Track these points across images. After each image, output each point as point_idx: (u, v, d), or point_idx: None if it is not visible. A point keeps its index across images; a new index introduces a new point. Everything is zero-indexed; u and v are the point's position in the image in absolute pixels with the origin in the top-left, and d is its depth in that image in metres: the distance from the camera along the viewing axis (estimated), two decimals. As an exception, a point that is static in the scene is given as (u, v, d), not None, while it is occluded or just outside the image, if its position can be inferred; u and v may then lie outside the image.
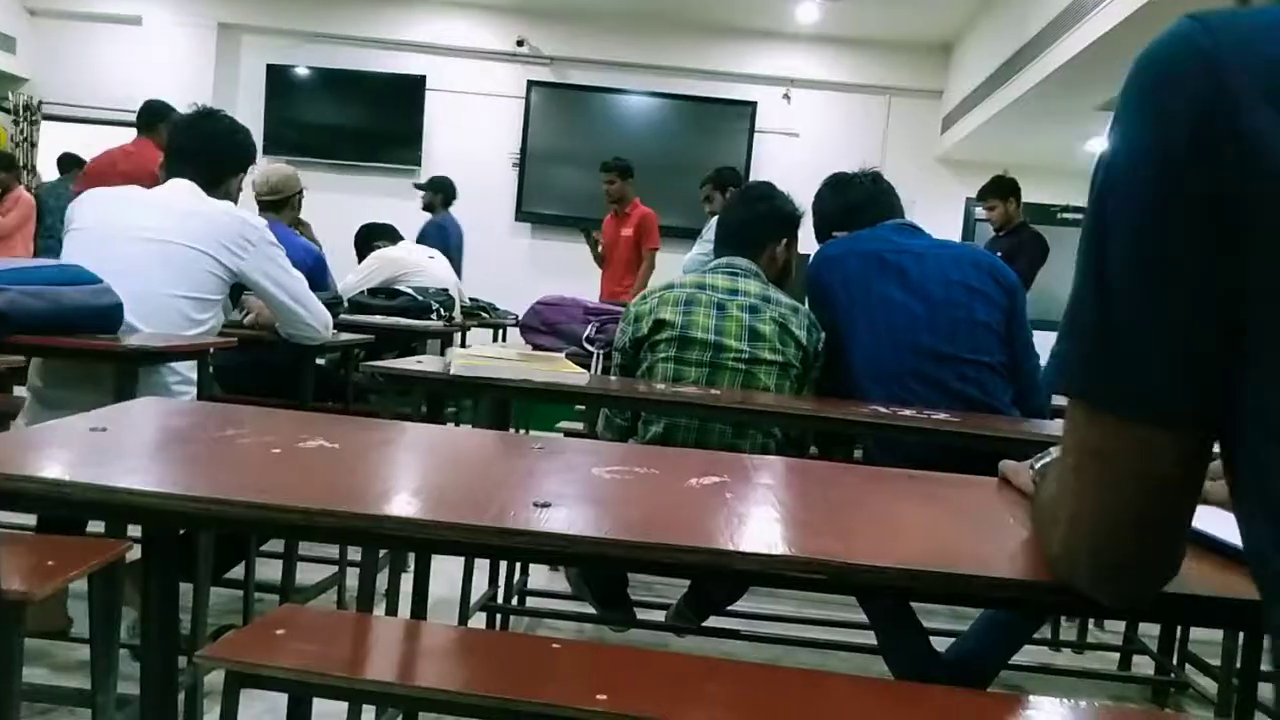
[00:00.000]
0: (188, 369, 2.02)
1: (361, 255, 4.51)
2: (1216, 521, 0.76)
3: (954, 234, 7.00)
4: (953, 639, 1.87)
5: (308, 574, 2.44)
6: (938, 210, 6.63)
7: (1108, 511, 0.64)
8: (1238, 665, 2.09)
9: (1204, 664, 2.42)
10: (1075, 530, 0.67)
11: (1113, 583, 0.68)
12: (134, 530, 1.44)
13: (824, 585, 0.73)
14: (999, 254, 3.62)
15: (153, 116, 4.11)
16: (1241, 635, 1.97)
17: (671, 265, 4.84)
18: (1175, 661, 2.52)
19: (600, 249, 5.51)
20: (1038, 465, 0.90)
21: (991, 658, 1.86)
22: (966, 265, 2.07)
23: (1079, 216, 7.52)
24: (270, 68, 7.40)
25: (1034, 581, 0.75)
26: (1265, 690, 2.04)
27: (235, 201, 2.28)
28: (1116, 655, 2.70)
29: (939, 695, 1.38)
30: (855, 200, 2.25)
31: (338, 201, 6.03)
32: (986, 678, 1.84)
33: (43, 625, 1.76)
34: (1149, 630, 2.62)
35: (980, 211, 5.02)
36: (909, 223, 2.21)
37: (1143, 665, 2.65)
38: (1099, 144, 6.93)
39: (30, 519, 2.00)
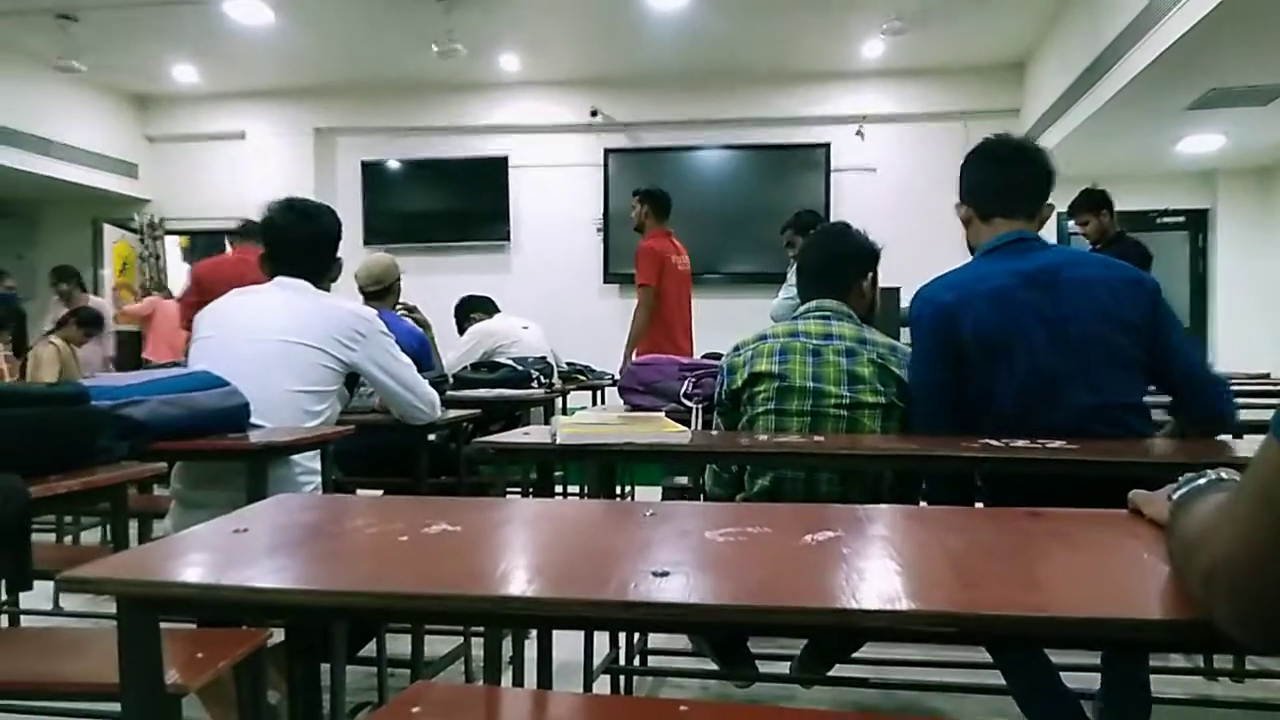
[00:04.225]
0: (310, 459, 2.13)
1: (461, 326, 4.69)
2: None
3: (1050, 251, 6.78)
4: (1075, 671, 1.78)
5: (434, 645, 2.50)
6: (1030, 229, 6.45)
7: (1268, 562, 0.62)
8: None
9: (1384, 688, 2.23)
10: (1225, 568, 0.65)
11: (1252, 625, 0.65)
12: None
13: (952, 638, 0.72)
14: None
15: (254, 229, 4.70)
16: None
17: (757, 311, 4.83)
18: (1350, 687, 2.33)
19: None
20: (1176, 495, 0.86)
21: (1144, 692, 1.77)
22: (1100, 287, 1.83)
23: (1179, 220, 7.17)
24: (364, 164, 7.83)
25: (1177, 620, 0.72)
26: None
27: (337, 277, 2.41)
28: (1281, 683, 2.52)
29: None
30: (1013, 183, 1.93)
31: (435, 282, 6.27)
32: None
33: (222, 715, 1.85)
34: (1316, 654, 2.43)
35: (1073, 226, 4.87)
36: (1030, 235, 1.93)
37: (1313, 693, 2.46)
38: (1193, 143, 6.66)
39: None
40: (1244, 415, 2.89)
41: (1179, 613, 0.73)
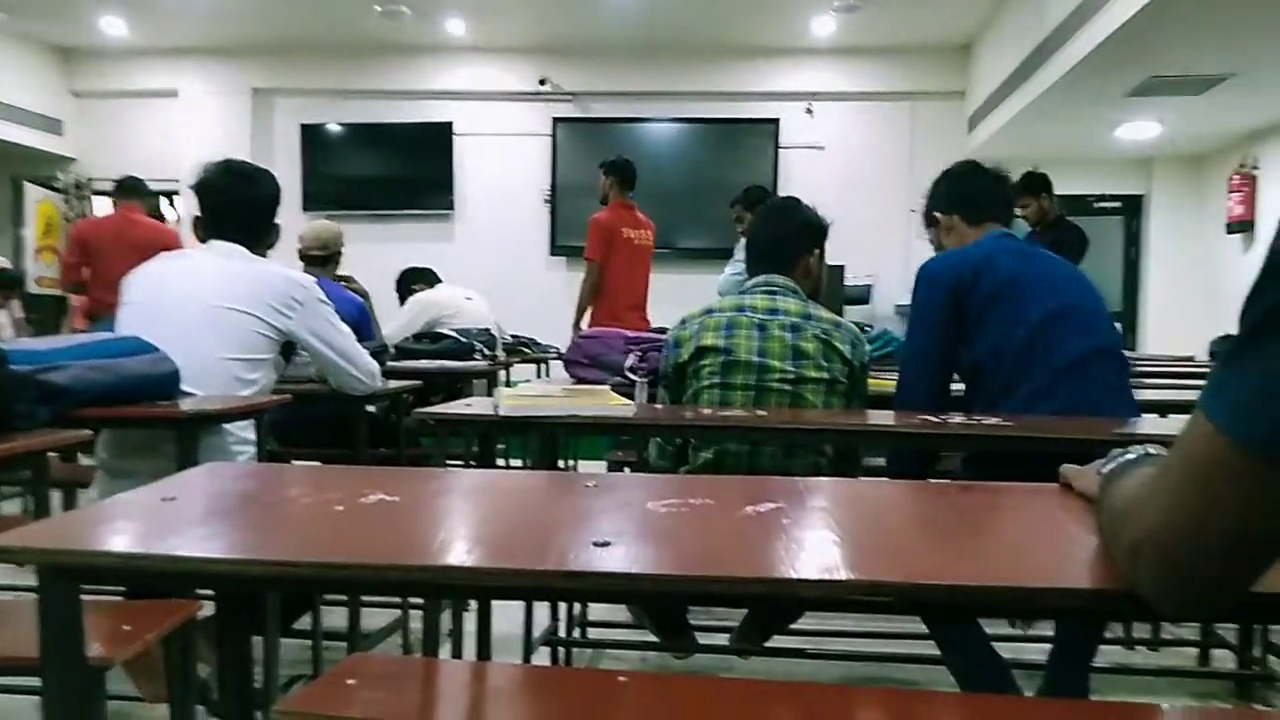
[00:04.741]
0: (243, 429, 2.07)
1: (402, 298, 4.61)
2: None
3: (990, 232, 6.91)
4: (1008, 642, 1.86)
5: (372, 618, 2.47)
6: (971, 210, 6.55)
7: (1194, 535, 0.63)
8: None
9: (1289, 656, 2.35)
10: (1152, 541, 0.66)
11: (1176, 597, 0.67)
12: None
13: (889, 607, 0.73)
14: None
15: (138, 186, 5.17)
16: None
17: (704, 287, 4.84)
18: (1258, 653, 2.44)
19: None
20: (1105, 469, 0.88)
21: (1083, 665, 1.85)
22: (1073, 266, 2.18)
23: (1116, 205, 7.35)
24: (304, 127, 7.60)
25: (1103, 590, 0.74)
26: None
27: (274, 243, 2.34)
28: (1195, 650, 2.63)
29: (1024, 708, 1.35)
30: (999, 196, 2.24)
31: (377, 250, 6.15)
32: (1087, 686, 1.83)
33: (150, 691, 1.81)
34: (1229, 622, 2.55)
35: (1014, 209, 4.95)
36: (1009, 232, 2.19)
37: (1223, 659, 2.57)
38: (1131, 129, 6.81)
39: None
40: (1168, 396, 3.00)
41: (1104, 582, 0.74)
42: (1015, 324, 1.94)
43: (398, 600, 2.58)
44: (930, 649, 2.35)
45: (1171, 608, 0.68)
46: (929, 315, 2.02)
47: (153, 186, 7.24)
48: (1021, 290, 1.97)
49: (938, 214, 2.20)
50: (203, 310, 2.08)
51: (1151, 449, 0.87)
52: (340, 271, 3.74)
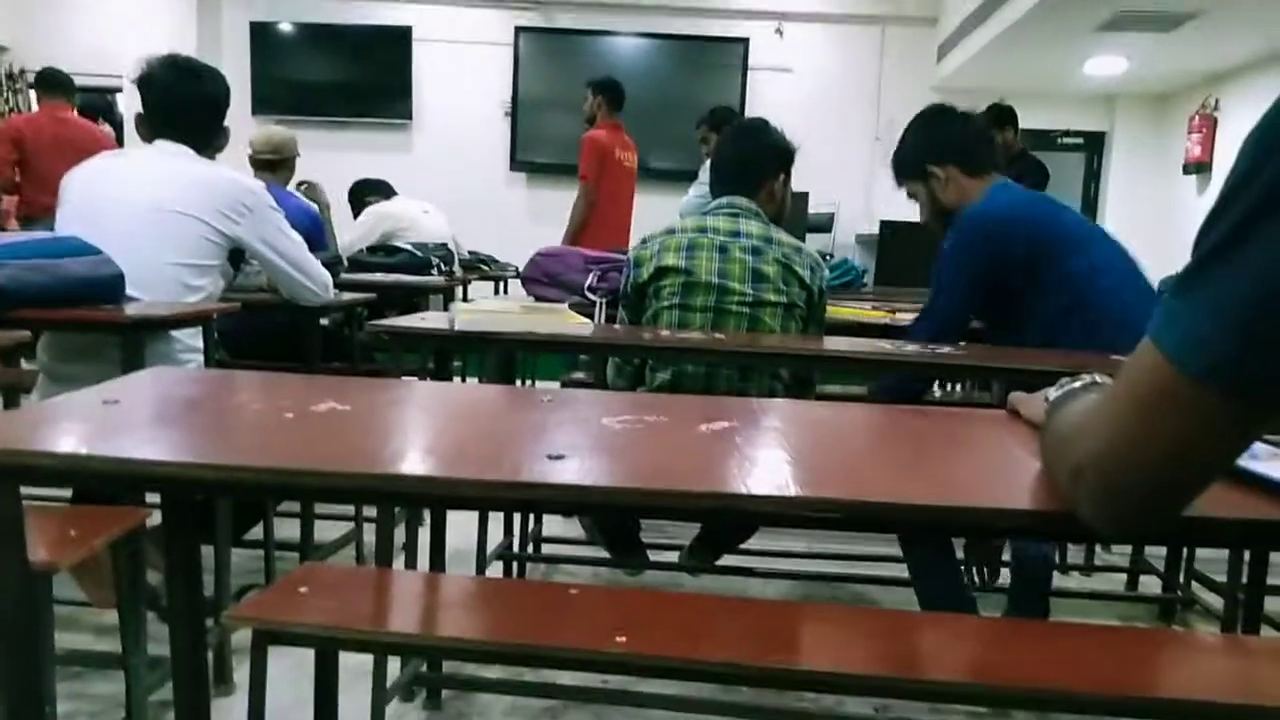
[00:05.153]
0: (191, 336, 2.02)
1: (355, 210, 4.50)
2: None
3: (953, 164, 6.91)
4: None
5: (325, 531, 2.47)
6: (936, 141, 6.52)
7: (1136, 462, 0.65)
8: (1244, 581, 2.12)
9: (1210, 581, 2.46)
10: (1094, 465, 0.67)
11: (1114, 519, 0.69)
12: (156, 497, 1.46)
13: (838, 524, 0.74)
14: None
15: (63, 81, 4.98)
16: (1247, 553, 2.00)
17: (668, 208, 4.79)
18: (1182, 580, 2.56)
19: None
20: (1052, 396, 0.90)
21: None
22: None
23: (1079, 141, 7.30)
24: (253, 25, 7.26)
25: (1044, 511, 0.76)
26: (1271, 604, 2.07)
27: (223, 146, 2.25)
28: (1124, 576, 2.75)
29: (960, 625, 1.41)
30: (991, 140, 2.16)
31: (330, 158, 5.96)
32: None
33: (98, 596, 1.79)
34: (1156, 551, 2.66)
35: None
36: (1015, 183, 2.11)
37: (1150, 585, 2.70)
38: (1097, 65, 6.74)
39: (67, 491, 2.02)
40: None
41: (1045, 504, 0.76)
42: (1080, 280, 1.86)
43: (351, 513, 2.58)
44: (879, 570, 2.44)
45: (1105, 527, 0.70)
46: (967, 272, 1.93)
47: (93, 83, 6.91)
48: (1069, 249, 1.89)
49: (931, 166, 2.03)
50: (147, 213, 2.00)
51: (1099, 377, 0.89)
52: (301, 178, 3.62)
